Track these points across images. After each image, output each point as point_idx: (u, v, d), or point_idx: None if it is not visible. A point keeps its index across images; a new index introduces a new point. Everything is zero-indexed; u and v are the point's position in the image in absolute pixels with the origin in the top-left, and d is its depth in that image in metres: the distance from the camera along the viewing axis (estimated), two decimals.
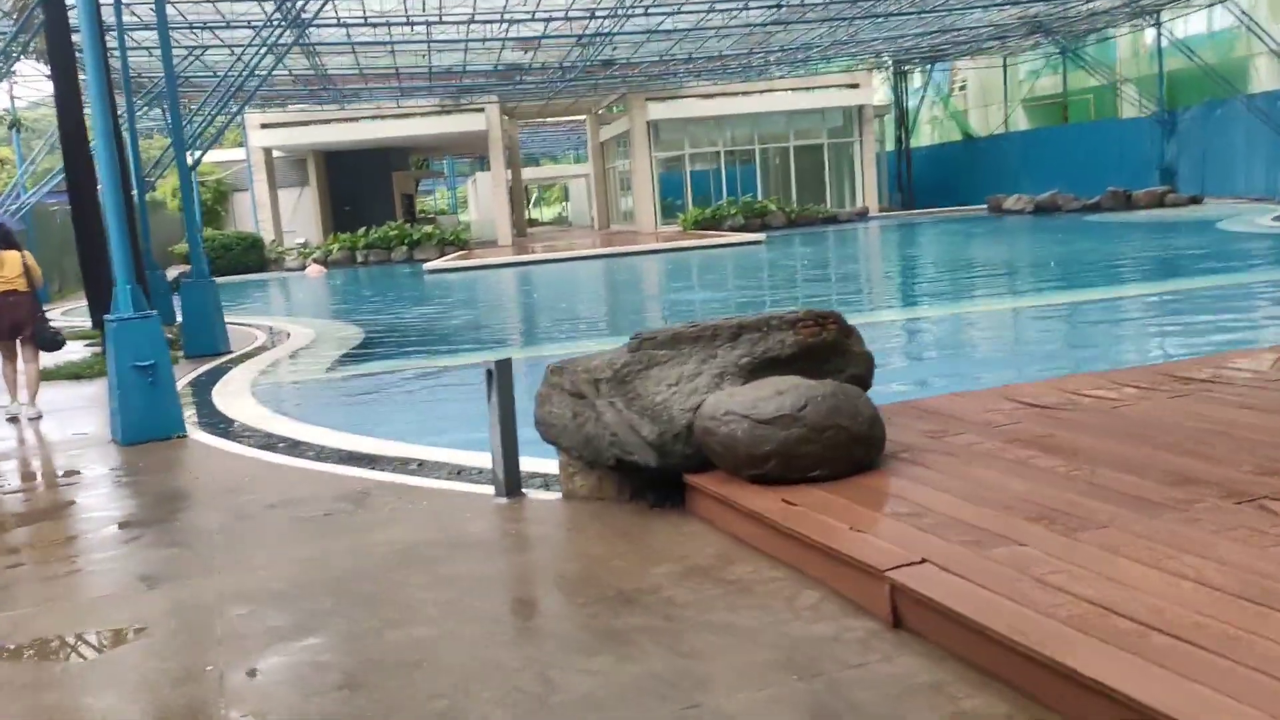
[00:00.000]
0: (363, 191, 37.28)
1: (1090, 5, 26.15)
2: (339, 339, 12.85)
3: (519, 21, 21.35)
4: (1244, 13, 26.48)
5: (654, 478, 4.30)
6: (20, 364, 8.37)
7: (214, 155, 34.75)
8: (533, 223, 61.52)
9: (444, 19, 20.82)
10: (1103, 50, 32.74)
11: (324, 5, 18.13)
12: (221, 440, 6.86)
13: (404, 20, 20.71)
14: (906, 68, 37.64)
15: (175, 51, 22.75)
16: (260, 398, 8.72)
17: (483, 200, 50.83)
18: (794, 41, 26.47)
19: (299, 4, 18.07)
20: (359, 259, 31.71)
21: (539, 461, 4.98)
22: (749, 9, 21.64)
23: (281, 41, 18.92)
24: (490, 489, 4.84)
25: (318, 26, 20.09)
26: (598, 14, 21.17)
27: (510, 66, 26.49)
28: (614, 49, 24.96)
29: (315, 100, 30.72)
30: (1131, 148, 30.11)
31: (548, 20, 21.56)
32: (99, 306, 11.26)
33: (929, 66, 37.68)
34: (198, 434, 7.08)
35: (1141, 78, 31.06)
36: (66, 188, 12.40)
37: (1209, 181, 27.40)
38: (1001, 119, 38.47)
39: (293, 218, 35.90)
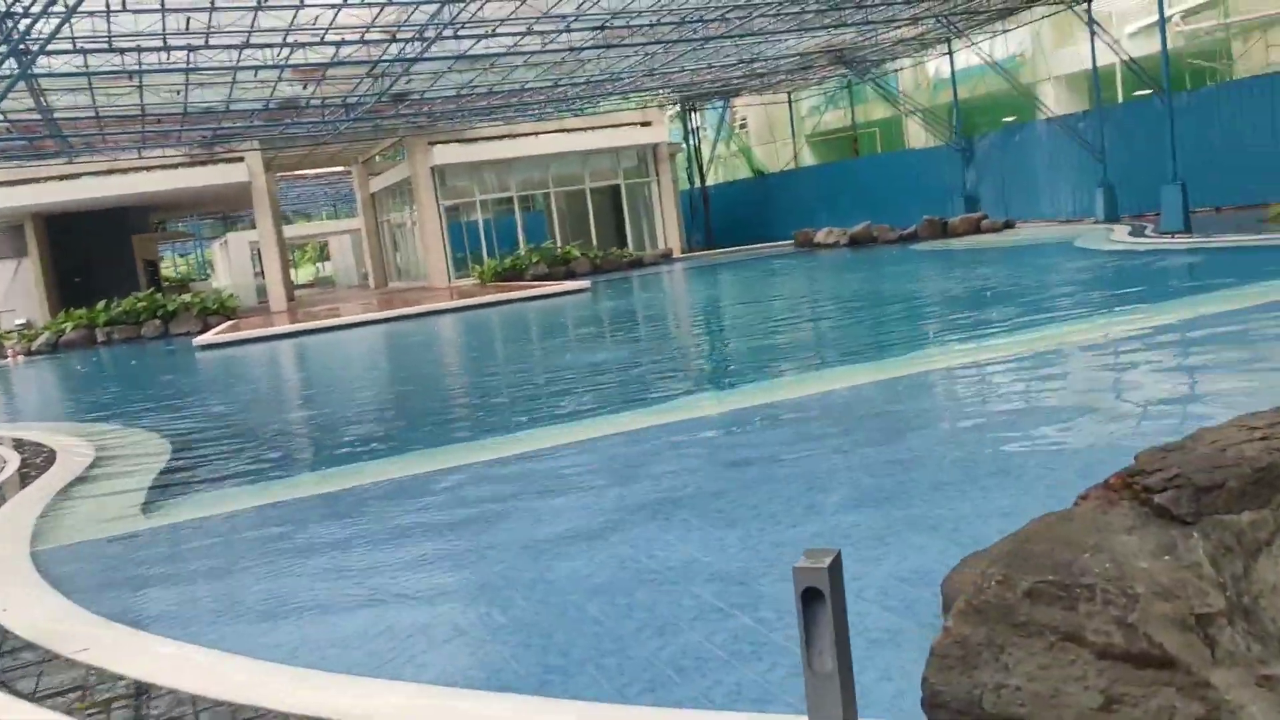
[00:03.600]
0: (96, 259, 31.86)
1: (894, 34, 25.83)
2: (136, 456, 9.23)
3: (305, 45, 18.02)
4: (1004, 55, 27.05)
5: None
6: None
7: None
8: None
9: (211, 42, 17.18)
10: (884, 84, 32.98)
11: (60, 27, 14.21)
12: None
13: (160, 44, 16.89)
14: (695, 105, 36.68)
15: None
16: (51, 574, 5.36)
17: (235, 263, 45.76)
18: (604, 71, 24.47)
19: (23, 24, 14.07)
20: (100, 338, 26.71)
21: None
22: (570, 31, 19.36)
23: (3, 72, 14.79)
24: None
25: (46, 54, 15.99)
26: (400, 36, 18.21)
27: (284, 104, 22.85)
28: (409, 80, 21.96)
29: (35, 154, 25.62)
30: (931, 176, 30.19)
31: (339, 44, 18.37)
32: None
33: (723, 103, 36.90)
34: None
35: (933, 108, 31.39)
36: None
37: (1012, 206, 27.68)
38: (786, 155, 38.29)
39: (8, 295, 30.06)
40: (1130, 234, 19.01)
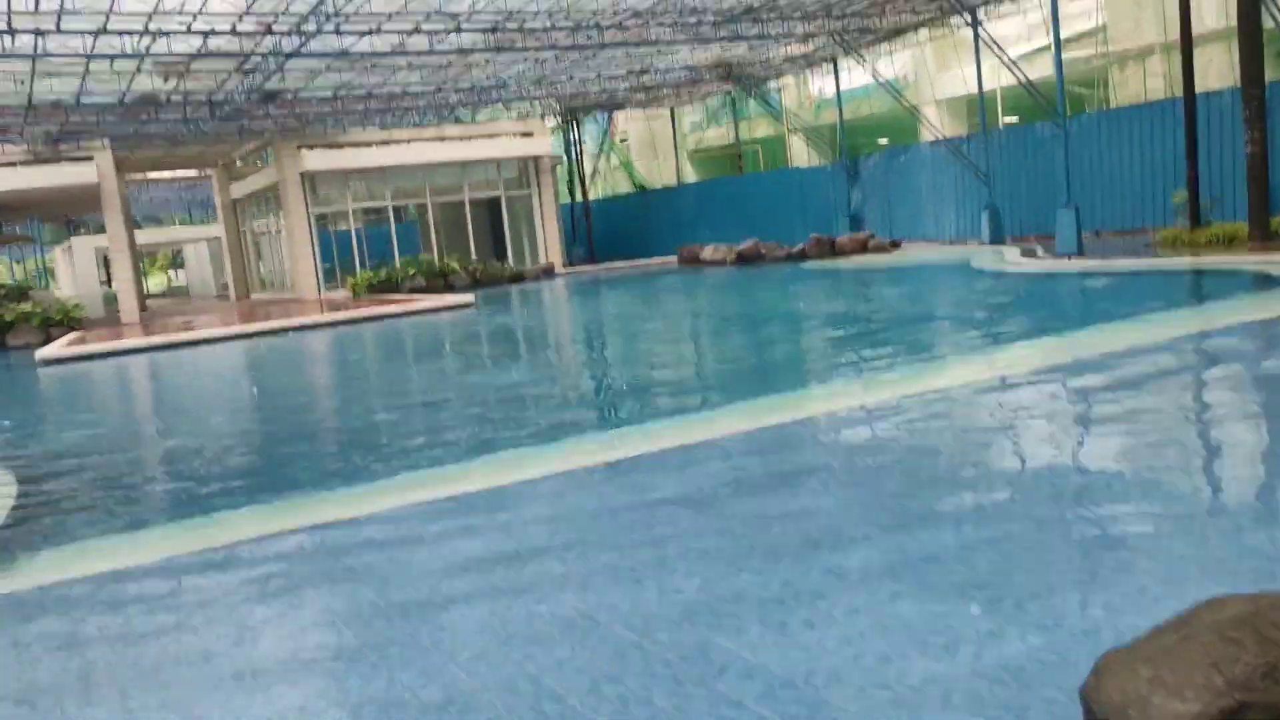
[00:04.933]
0: None
1: (783, 50, 25.74)
2: None
3: (170, 34, 16.47)
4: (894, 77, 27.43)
5: None
6: None
7: None
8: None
9: (62, 27, 15.49)
10: (770, 102, 33.03)
11: None
12: None
13: (4, 27, 15.12)
14: (577, 117, 35.97)
15: None
16: None
17: (80, 270, 42.54)
18: (491, 78, 23.51)
19: None
20: None
21: None
22: (460, 32, 18.37)
23: None
24: None
25: None
26: (276, 28, 16.86)
27: (142, 99, 21.03)
28: (282, 79, 20.51)
29: None
30: (816, 195, 30.31)
31: (207, 34, 16.88)
32: None
33: (605, 116, 36.28)
34: None
35: (817, 127, 31.57)
36: None
37: (896, 226, 27.96)
38: (668, 170, 38.01)
39: None
40: (1023, 255, 19.21)
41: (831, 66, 28.50)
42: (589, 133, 37.90)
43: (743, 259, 28.87)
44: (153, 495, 7.71)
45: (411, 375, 13.84)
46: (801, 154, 33.45)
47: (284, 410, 11.78)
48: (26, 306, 26.88)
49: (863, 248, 26.70)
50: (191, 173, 41.98)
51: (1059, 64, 19.06)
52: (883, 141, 32.48)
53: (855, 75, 30.38)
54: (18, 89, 19.08)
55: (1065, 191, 18.69)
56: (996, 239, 23.02)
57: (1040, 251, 19.59)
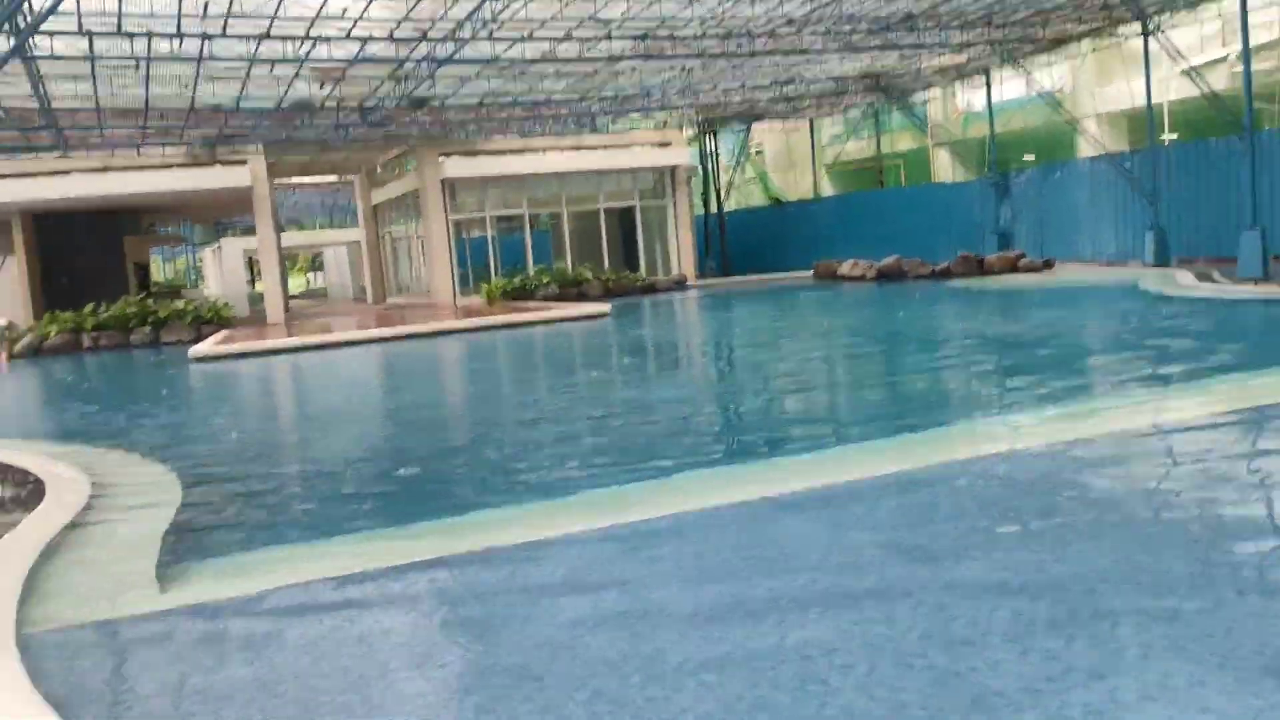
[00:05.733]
0: (85, 261, 30.33)
1: (935, 61, 24.81)
2: (141, 498, 7.80)
3: (329, 40, 16.72)
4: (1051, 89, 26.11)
5: None
6: None
7: None
8: None
9: (228, 31, 15.86)
10: (916, 114, 31.99)
11: (59, 2, 12.83)
12: None
13: (173, 31, 15.56)
14: (714, 128, 35.58)
15: None
16: (48, 681, 3.97)
17: (228, 271, 44.24)
18: (635, 86, 23.29)
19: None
20: (86, 343, 25.17)
21: None
22: (611, 39, 18.15)
23: None
24: None
25: (48, 34, 14.63)
26: (431, 35, 16.94)
27: (297, 105, 21.52)
28: (432, 85, 20.69)
29: (27, 146, 24.16)
30: (960, 211, 29.14)
31: (365, 39, 17.08)
32: None
33: (743, 127, 35.80)
34: None
35: (964, 140, 30.42)
36: None
37: (1048, 246, 26.60)
38: (805, 183, 37.24)
39: None
40: (1198, 279, 17.87)
41: (984, 78, 27.39)
42: (725, 144, 37.46)
43: (884, 275, 27.93)
44: (350, 496, 7.54)
45: (560, 386, 13.57)
46: (945, 169, 32.28)
47: (439, 419, 11.62)
48: (180, 304, 27.92)
49: (1013, 267, 25.47)
50: (335, 178, 43.21)
51: (1248, 74, 17.69)
52: (1028, 158, 31.07)
53: (1007, 88, 29.16)
54: (182, 93, 19.72)
55: (1250, 212, 17.31)
56: (1162, 261, 21.59)
57: (1217, 275, 18.21)
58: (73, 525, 6.65)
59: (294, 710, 3.65)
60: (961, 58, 24.68)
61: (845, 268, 29.49)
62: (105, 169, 27.06)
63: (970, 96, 31.39)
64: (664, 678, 3.59)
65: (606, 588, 4.70)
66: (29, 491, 7.75)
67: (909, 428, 8.45)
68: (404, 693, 3.72)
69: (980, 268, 25.98)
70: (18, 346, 24.61)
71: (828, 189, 36.93)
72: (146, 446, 10.09)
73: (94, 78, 17.85)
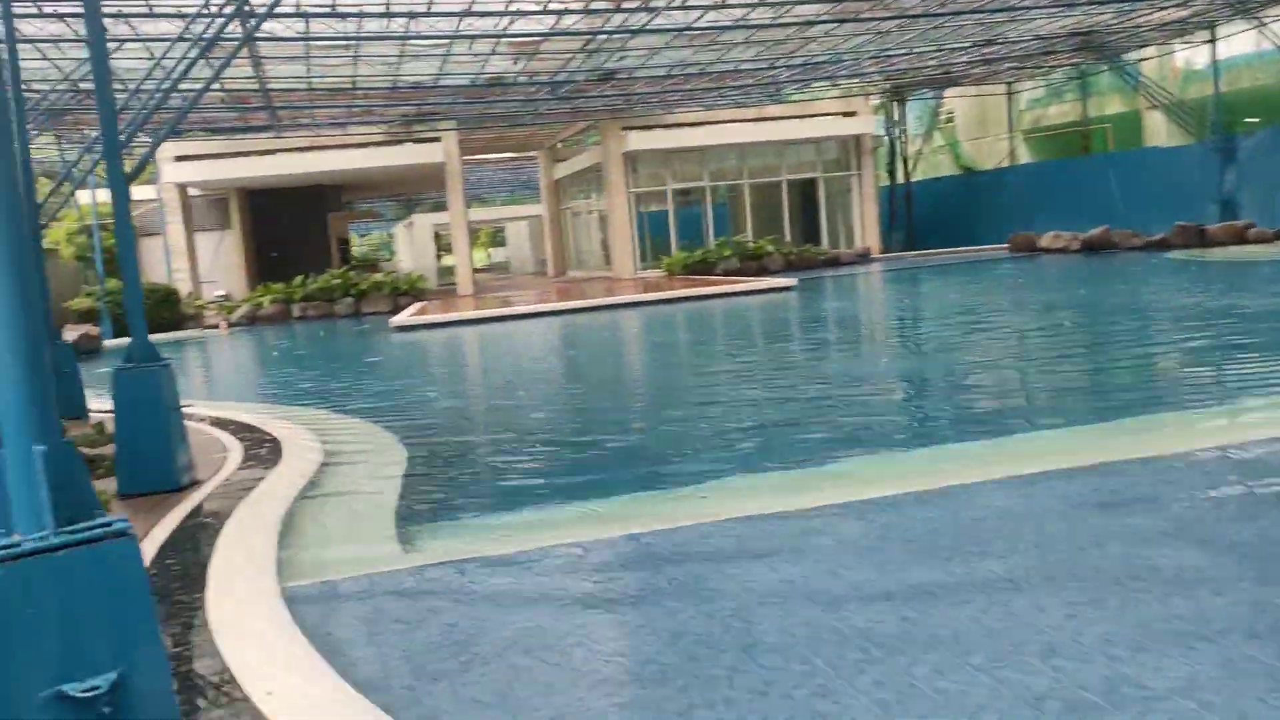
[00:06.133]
0: (293, 236, 32.06)
1: (1158, 15, 22.97)
2: (367, 456, 8.03)
3: (527, 14, 16.86)
4: None
5: None
6: None
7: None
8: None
9: (432, 9, 16.19)
10: (1130, 74, 29.79)
11: None
12: None
13: (383, 10, 16.02)
14: (902, 96, 34.27)
15: (70, 57, 17.63)
16: (315, 634, 4.00)
17: (418, 245, 45.95)
18: (826, 52, 22.58)
19: None
20: (295, 313, 26.62)
21: None
22: (805, 2, 17.58)
23: (230, 35, 14.04)
24: None
25: (274, 17, 15.27)
26: (625, 5, 16.83)
27: (491, 81, 21.91)
28: (622, 57, 20.64)
29: (244, 127, 25.59)
30: (1176, 178, 27.01)
31: (561, 12, 17.14)
32: None
33: (933, 94, 34.37)
34: None
35: (1182, 101, 28.16)
36: None
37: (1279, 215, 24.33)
38: (999, 151, 35.42)
39: (212, 266, 30.47)
40: None
41: (1208, 33, 25.23)
42: (912, 112, 36.06)
43: (1090, 247, 26.28)
44: (576, 459, 7.53)
45: (764, 361, 13.26)
46: (1157, 133, 29.99)
47: (646, 390, 11.53)
48: (379, 277, 29.13)
49: (1240, 237, 23.45)
50: (518, 155, 44.14)
51: None
52: (1252, 120, 28.48)
53: (1235, 42, 26.77)
54: (386, 71, 20.37)
55: None
56: None
57: None
58: (311, 485, 6.86)
59: (553, 674, 3.51)
60: (1185, 10, 22.76)
61: (1046, 239, 27.93)
62: (310, 148, 28.43)
63: (1189, 55, 29.00)
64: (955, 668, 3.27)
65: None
66: (268, 451, 8.09)
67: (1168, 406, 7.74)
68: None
69: (1201, 238, 24.05)
70: (235, 315, 26.25)
71: (1024, 157, 35.01)
72: (365, 410, 10.42)
73: (307, 59, 18.63)
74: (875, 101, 34.51)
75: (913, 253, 32.85)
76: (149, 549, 5.50)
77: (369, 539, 5.75)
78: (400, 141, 28.72)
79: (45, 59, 16.94)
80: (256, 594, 4.58)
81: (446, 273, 46.30)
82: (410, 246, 48.56)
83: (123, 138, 7.28)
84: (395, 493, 6.74)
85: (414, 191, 46.71)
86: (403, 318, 22.43)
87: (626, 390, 11.60)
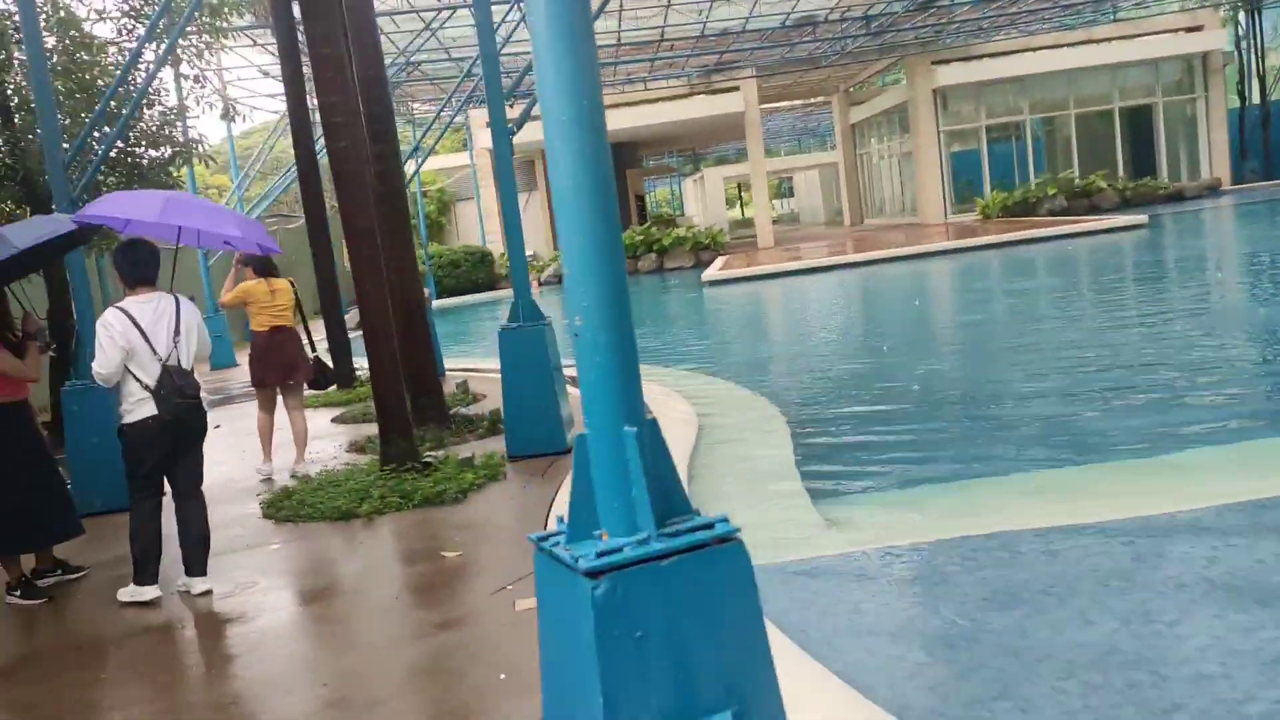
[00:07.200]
0: None
1: None
2: (748, 422, 7.51)
3: None
4: None
5: None
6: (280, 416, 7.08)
7: (433, 162, 30.89)
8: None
9: None
10: None
11: None
12: None
13: None
14: (1256, 4, 29.85)
15: (406, 29, 18.42)
16: (794, 634, 3.41)
17: (710, 198, 45.79)
18: None
19: None
20: None
21: None
22: None
23: None
24: None
25: None
26: None
27: (802, 20, 20.92)
28: None
29: None
30: None
31: None
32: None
33: None
34: None
35: None
36: (303, 202, 11.47)
37: None
38: None
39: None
40: None
41: None
42: (1269, 21, 31.40)
43: None
44: (947, 435, 6.68)
45: (1170, 310, 11.63)
46: None
47: (1043, 345, 10.25)
48: (680, 231, 29.05)
49: None
50: (808, 101, 42.75)
51: None
52: None
53: None
54: (695, 19, 19.88)
55: None
56: None
57: None
58: (694, 458, 6.38)
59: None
60: None
61: None
62: (613, 105, 28.63)
63: None
64: None
65: None
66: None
67: None
68: None
69: None
70: (544, 274, 27.03)
71: None
72: (719, 369, 9.98)
73: (620, 11, 18.46)
74: (1224, 13, 30.31)
75: (1270, 182, 28.72)
76: (552, 523, 5.20)
77: (782, 519, 5.17)
78: (700, 93, 28.35)
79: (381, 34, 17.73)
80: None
81: (736, 226, 45.83)
82: (701, 200, 48.54)
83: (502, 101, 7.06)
84: (789, 467, 6.15)
85: (704, 145, 46.56)
86: (712, 272, 22.11)
87: (1012, 349, 10.24)
